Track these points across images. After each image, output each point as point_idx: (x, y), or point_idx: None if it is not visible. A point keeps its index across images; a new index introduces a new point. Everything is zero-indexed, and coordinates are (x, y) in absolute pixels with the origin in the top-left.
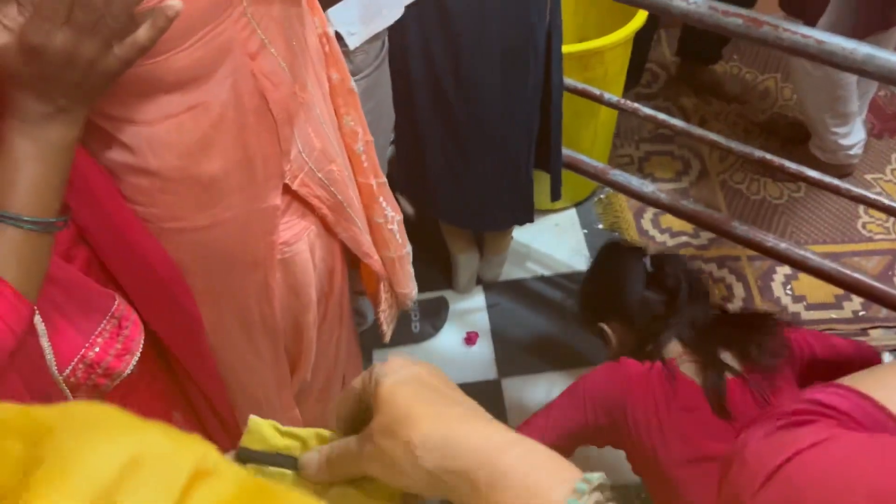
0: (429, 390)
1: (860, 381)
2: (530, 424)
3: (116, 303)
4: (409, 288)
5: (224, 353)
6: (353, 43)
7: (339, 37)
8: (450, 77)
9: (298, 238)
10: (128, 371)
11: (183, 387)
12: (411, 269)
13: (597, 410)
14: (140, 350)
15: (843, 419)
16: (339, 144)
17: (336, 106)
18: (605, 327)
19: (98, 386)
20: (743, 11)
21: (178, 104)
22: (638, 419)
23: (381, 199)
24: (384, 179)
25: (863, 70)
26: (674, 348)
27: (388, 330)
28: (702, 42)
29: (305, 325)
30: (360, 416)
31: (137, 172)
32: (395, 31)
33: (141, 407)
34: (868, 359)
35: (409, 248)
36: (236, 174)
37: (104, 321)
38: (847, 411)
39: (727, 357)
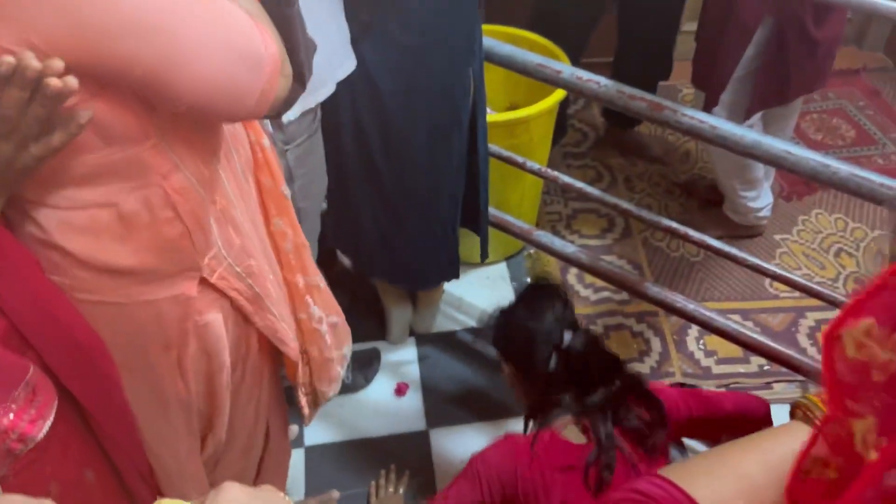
0: None
1: (675, 472)
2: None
3: (31, 372)
4: (330, 388)
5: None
6: (287, 118)
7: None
8: (380, 149)
9: (212, 307)
10: (41, 435)
11: (101, 444)
12: (339, 372)
13: (492, 487)
14: (52, 416)
15: None
16: (261, 241)
17: (266, 207)
18: (504, 365)
19: (12, 450)
20: (647, 96)
21: (88, 198)
22: (527, 489)
23: (307, 297)
24: (315, 281)
25: (751, 154)
26: (562, 420)
27: (309, 414)
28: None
29: (219, 387)
30: None
31: (50, 248)
32: (327, 103)
33: (53, 467)
34: (751, 410)
35: (343, 351)
36: (150, 266)
37: (18, 389)
38: (659, 500)
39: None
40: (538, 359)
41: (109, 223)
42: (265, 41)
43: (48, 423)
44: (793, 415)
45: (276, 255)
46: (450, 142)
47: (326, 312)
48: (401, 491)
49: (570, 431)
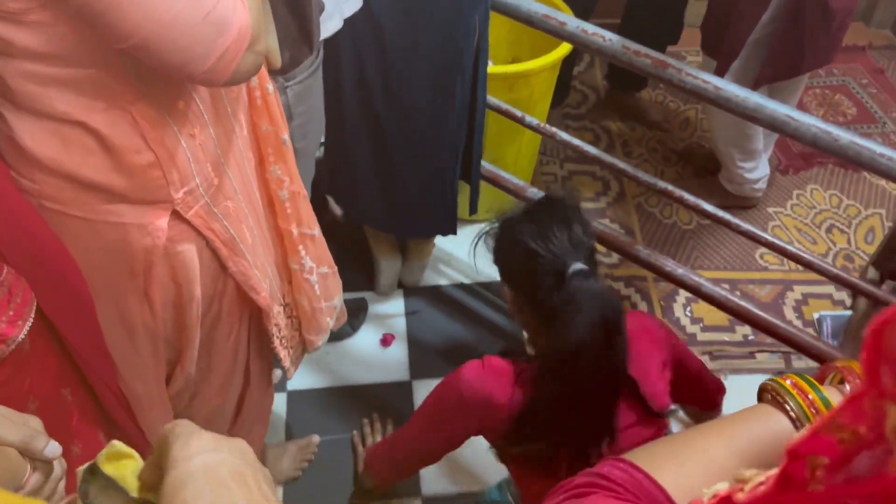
0: (220, 488)
1: (640, 456)
2: (407, 432)
3: (5, 272)
4: (317, 337)
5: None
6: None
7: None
8: (379, 91)
9: (186, 239)
10: (21, 335)
11: (76, 365)
12: (327, 322)
13: (468, 414)
14: (32, 317)
15: (620, 491)
16: (245, 184)
17: (263, 154)
18: (504, 286)
19: None
20: (652, 53)
21: (58, 108)
22: (502, 405)
23: (300, 247)
24: (312, 231)
25: (753, 117)
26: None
27: (291, 368)
28: (627, 71)
29: (189, 318)
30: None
31: (15, 146)
32: (329, 42)
33: (32, 381)
34: (713, 390)
35: (333, 303)
36: (118, 189)
37: None
38: (624, 484)
39: None
40: (540, 288)
41: (79, 137)
42: (235, 6)
43: (28, 323)
44: (760, 398)
45: (270, 202)
46: (452, 89)
47: (318, 263)
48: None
49: None
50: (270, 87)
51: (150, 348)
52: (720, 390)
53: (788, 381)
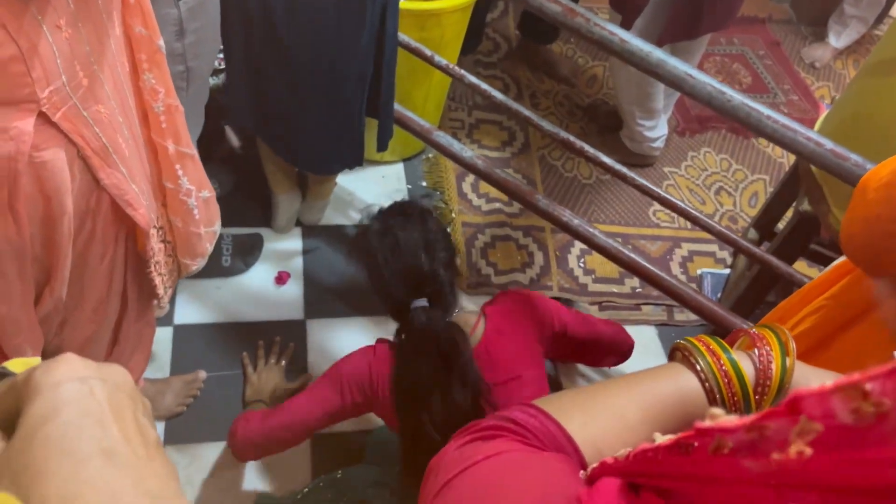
0: (91, 420)
1: (550, 404)
2: (294, 402)
3: None
4: (194, 262)
5: None
6: None
7: None
8: (285, 12)
9: (53, 144)
10: None
11: None
12: (207, 248)
13: (352, 388)
14: None
15: (528, 436)
16: (118, 91)
17: (137, 60)
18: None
19: None
20: (563, 1)
21: None
22: (384, 389)
23: (177, 166)
24: (189, 150)
25: (656, 73)
26: None
27: (164, 294)
28: (540, 21)
29: (59, 234)
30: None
31: None
32: None
33: None
34: (621, 342)
35: (213, 228)
36: None
37: None
38: (532, 429)
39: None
40: (386, 303)
41: None
42: None
43: None
44: (671, 356)
45: (143, 113)
46: (362, 13)
47: (198, 186)
48: (283, 363)
49: None
50: None
51: (15, 267)
52: (617, 349)
53: (701, 343)
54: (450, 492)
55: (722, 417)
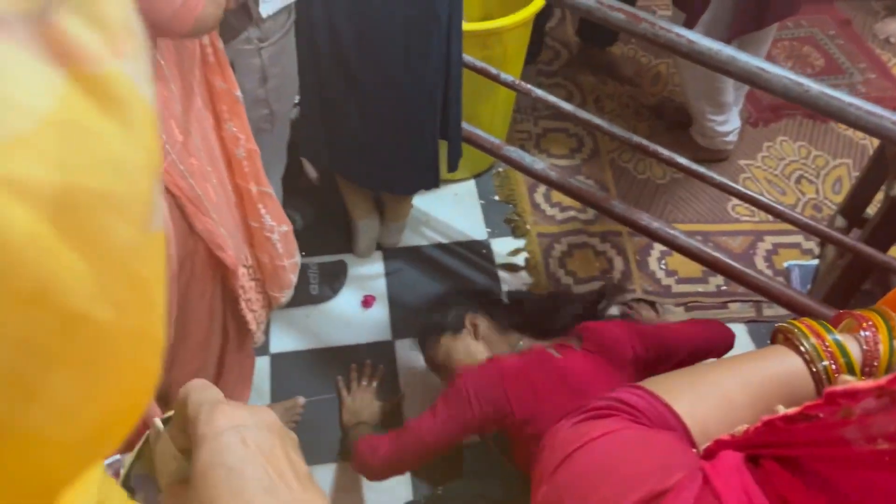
0: (250, 465)
1: (657, 385)
2: (421, 421)
3: None
4: (282, 294)
5: None
6: (265, 11)
7: (246, 7)
8: (354, 46)
9: None
10: None
11: None
12: (291, 279)
13: (481, 402)
14: None
15: (637, 415)
16: (205, 142)
17: (219, 111)
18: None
19: None
20: (626, 7)
21: None
22: (521, 404)
23: (260, 206)
24: (269, 189)
25: (727, 70)
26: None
27: (257, 329)
28: (599, 26)
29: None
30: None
31: None
32: (301, 1)
33: None
34: (717, 340)
35: (295, 259)
36: None
37: None
38: (641, 409)
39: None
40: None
41: None
42: None
43: None
44: (773, 339)
45: (227, 160)
46: (428, 39)
47: (278, 222)
48: (374, 385)
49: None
50: (220, 43)
51: None
52: (716, 346)
53: (804, 324)
54: (571, 466)
55: (853, 381)
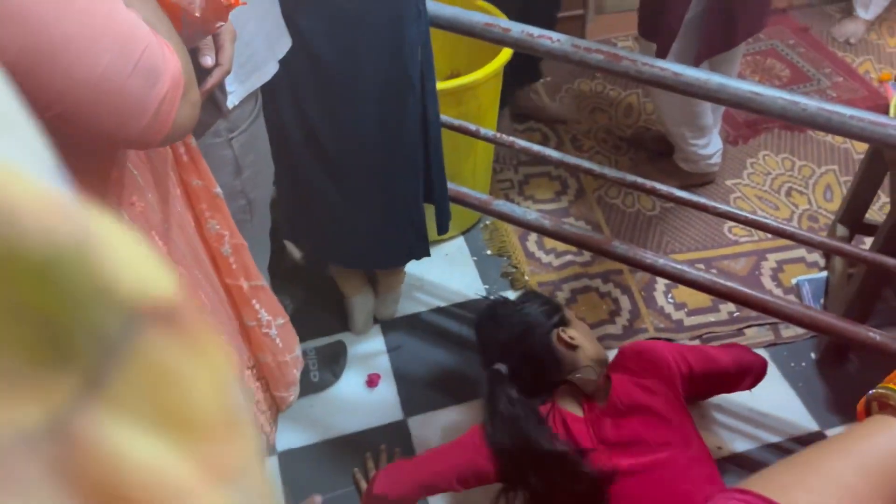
0: None
1: (765, 485)
2: (435, 469)
3: None
4: (289, 393)
5: None
6: (231, 102)
7: (213, 100)
8: (326, 126)
9: None
10: None
11: None
12: (295, 375)
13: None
14: None
15: None
16: (190, 247)
17: (199, 211)
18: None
19: None
20: (603, 48)
21: None
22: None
23: (254, 301)
24: (260, 282)
25: (717, 98)
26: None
27: (271, 432)
28: (523, 64)
29: None
30: None
31: None
32: (265, 85)
33: None
34: (749, 363)
35: (296, 353)
36: None
37: None
38: None
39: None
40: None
41: None
42: (164, 52)
43: None
44: (868, 410)
45: (213, 260)
46: (404, 108)
47: (274, 315)
48: None
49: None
50: (193, 140)
51: None
52: (748, 371)
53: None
54: None
55: None
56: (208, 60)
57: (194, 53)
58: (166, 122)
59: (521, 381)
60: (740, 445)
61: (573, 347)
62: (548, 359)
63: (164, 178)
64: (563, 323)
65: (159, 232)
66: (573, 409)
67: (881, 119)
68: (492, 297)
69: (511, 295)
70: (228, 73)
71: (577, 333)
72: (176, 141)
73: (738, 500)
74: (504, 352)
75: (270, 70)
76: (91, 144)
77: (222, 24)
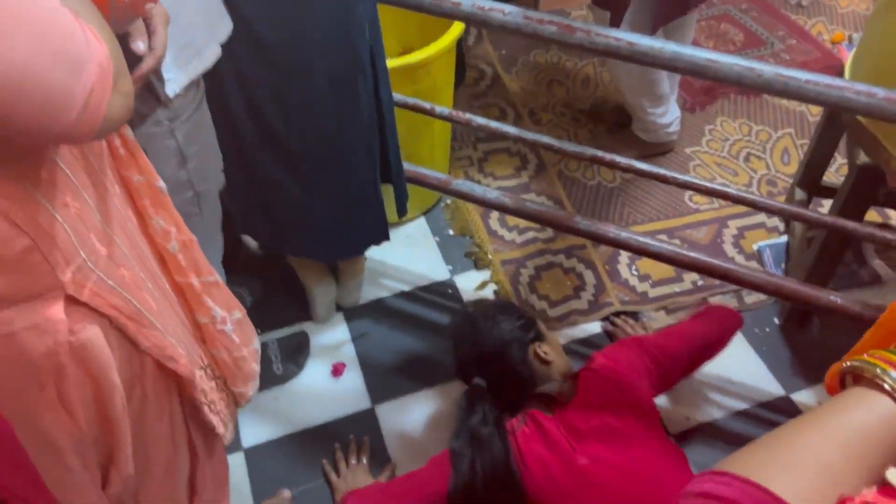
0: None
1: (741, 464)
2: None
3: None
4: (247, 388)
5: None
6: (171, 90)
7: (150, 87)
8: (274, 109)
9: (87, 322)
10: None
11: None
12: (254, 369)
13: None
14: None
15: None
16: (133, 246)
17: (142, 208)
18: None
19: None
20: (556, 19)
21: None
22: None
23: (206, 298)
24: (212, 278)
25: (673, 67)
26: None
27: (225, 431)
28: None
29: (114, 410)
30: None
31: None
32: (209, 71)
33: None
34: (724, 327)
35: (254, 345)
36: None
37: None
38: (736, 500)
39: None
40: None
41: None
42: (87, 38)
43: None
44: (842, 382)
45: (160, 258)
46: (355, 90)
47: (228, 310)
48: (364, 461)
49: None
50: (129, 132)
51: (78, 459)
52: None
53: (877, 358)
54: None
55: None
56: (140, 46)
57: (124, 39)
58: (97, 114)
59: (496, 393)
60: (709, 414)
61: (546, 363)
62: (524, 373)
63: (100, 176)
64: (539, 338)
65: (98, 234)
66: (544, 411)
67: (836, 82)
68: (469, 310)
69: (475, 275)
70: (162, 58)
71: (549, 349)
72: (109, 133)
73: (715, 482)
74: (480, 365)
75: (212, 54)
76: (16, 143)
77: (152, 4)
